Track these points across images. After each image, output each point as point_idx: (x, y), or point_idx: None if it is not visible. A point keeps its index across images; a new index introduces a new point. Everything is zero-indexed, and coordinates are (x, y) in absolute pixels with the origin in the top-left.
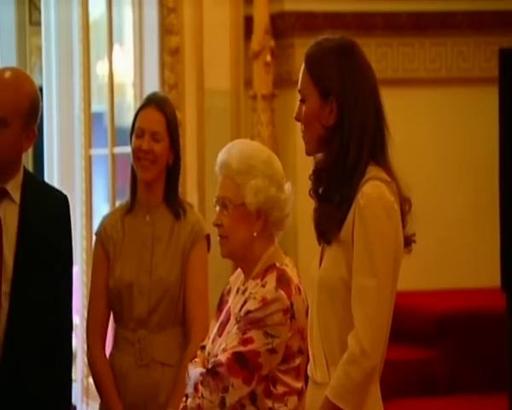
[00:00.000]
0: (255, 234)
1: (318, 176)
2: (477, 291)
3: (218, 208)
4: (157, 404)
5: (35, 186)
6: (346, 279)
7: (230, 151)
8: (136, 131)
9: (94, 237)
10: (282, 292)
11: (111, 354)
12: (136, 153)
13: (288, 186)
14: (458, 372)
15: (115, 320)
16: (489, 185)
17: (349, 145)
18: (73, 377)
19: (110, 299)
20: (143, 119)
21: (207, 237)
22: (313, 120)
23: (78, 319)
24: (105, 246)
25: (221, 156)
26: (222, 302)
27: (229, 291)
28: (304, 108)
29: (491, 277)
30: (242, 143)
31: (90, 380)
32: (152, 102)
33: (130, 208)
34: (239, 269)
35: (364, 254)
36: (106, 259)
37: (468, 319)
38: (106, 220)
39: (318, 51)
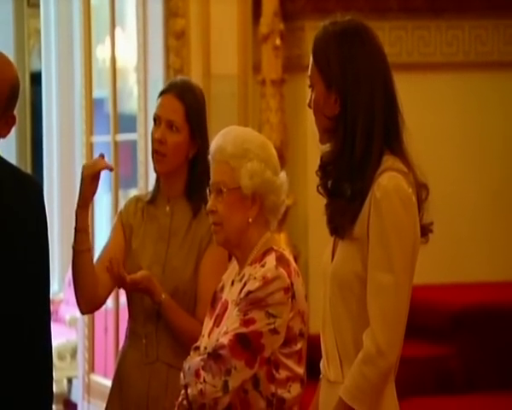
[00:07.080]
0: (250, 220)
1: (325, 170)
2: (495, 285)
3: (212, 195)
4: (161, 408)
5: (7, 170)
6: (360, 275)
7: (225, 136)
8: (154, 117)
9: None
10: (282, 270)
11: (122, 349)
12: (152, 143)
13: (283, 174)
14: (475, 369)
15: (128, 312)
16: (508, 174)
17: (354, 134)
18: (74, 373)
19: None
20: (160, 105)
21: None
22: (318, 110)
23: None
24: (124, 226)
25: (215, 142)
26: (215, 299)
27: (222, 288)
28: (312, 96)
29: (510, 270)
30: (237, 129)
31: (92, 377)
32: (172, 89)
33: (153, 198)
34: (231, 266)
35: (381, 249)
36: (123, 234)
37: (486, 313)
38: (128, 205)
39: (322, 37)
